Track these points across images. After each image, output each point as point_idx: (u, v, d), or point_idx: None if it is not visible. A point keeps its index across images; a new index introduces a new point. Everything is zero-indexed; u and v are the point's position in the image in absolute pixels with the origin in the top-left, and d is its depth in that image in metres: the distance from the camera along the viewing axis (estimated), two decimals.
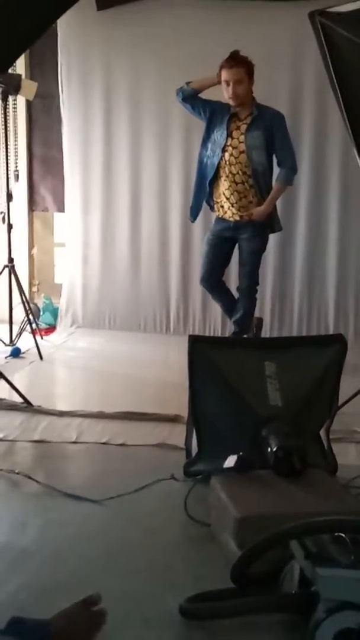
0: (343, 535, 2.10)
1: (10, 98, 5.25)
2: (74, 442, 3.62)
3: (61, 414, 3.97)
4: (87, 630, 1.96)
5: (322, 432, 3.21)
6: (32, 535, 2.70)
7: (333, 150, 5.46)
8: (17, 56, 4.07)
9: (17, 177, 5.75)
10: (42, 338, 5.38)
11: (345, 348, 3.19)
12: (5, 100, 5.22)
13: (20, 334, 5.35)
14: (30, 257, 6.27)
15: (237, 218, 4.75)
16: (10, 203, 5.31)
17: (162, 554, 2.57)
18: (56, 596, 2.24)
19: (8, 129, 5.39)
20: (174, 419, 3.79)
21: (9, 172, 5.34)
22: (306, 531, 2.11)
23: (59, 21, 4.59)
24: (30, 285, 6.18)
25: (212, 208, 4.90)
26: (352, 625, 1.92)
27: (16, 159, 5.76)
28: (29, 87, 5.30)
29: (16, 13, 3.16)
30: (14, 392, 4.05)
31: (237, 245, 4.88)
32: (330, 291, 5.65)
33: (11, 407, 4.02)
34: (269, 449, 2.82)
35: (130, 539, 2.68)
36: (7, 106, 5.30)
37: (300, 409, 3.04)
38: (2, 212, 5.41)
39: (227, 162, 4.68)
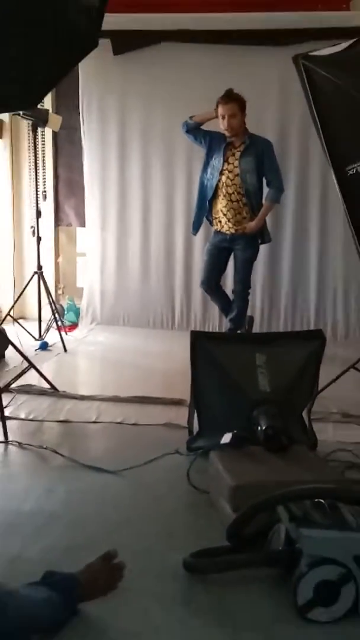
0: (322, 501, 2.12)
1: (40, 129, 5.25)
2: (94, 422, 3.64)
3: (82, 398, 3.99)
4: (109, 581, 1.97)
5: (304, 413, 3.22)
6: (58, 501, 2.72)
7: (314, 173, 5.45)
8: (45, 94, 4.09)
9: (45, 196, 5.76)
10: (66, 333, 5.38)
11: (324, 342, 3.20)
12: (35, 131, 5.23)
13: (47, 330, 5.35)
14: (56, 264, 6.27)
15: (233, 231, 4.74)
16: (39, 219, 5.31)
17: (167, 517, 2.59)
18: (79, 552, 2.25)
19: (37, 156, 5.39)
20: (178, 402, 3.79)
21: (38, 193, 5.34)
22: (291, 498, 2.13)
23: (80, 64, 4.58)
24: (56, 288, 6.18)
25: (211, 223, 4.90)
26: (330, 578, 1.94)
27: (44, 182, 5.77)
28: (55, 120, 5.30)
29: (45, 59, 3.17)
30: (42, 380, 4.05)
31: (232, 255, 4.88)
32: (312, 294, 5.65)
33: (40, 392, 4.02)
34: (259, 428, 2.83)
35: (141, 504, 2.70)
36: (37, 136, 5.30)
37: (285, 394, 3.05)
38: (32, 227, 5.42)
39: (224, 184, 4.68)
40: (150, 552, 2.27)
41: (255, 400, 2.97)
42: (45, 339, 5.22)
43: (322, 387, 3.48)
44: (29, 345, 4.96)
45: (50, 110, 5.34)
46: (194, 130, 4.77)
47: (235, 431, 2.86)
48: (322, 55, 3.89)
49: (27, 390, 4.02)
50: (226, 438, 2.86)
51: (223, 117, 4.56)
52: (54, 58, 3.21)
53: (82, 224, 6.08)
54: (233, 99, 4.54)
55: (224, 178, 4.67)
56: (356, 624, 1.94)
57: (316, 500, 2.12)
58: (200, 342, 3.17)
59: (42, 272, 5.21)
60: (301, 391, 3.16)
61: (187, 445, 3.19)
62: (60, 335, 5.18)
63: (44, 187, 5.73)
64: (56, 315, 5.30)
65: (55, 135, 5.86)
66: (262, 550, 2.18)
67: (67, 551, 2.30)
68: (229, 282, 5.16)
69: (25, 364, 4.03)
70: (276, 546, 2.13)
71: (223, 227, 4.78)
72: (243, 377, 3.06)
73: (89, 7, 3.18)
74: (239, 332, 4.82)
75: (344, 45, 3.95)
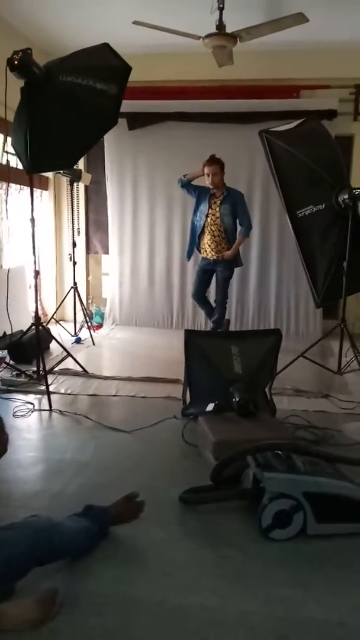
0: (280, 452, 2.12)
1: (75, 184, 5.24)
2: (114, 395, 3.62)
3: (105, 378, 3.97)
4: (133, 514, 1.97)
5: (267, 389, 3.21)
6: (88, 452, 2.72)
7: (273, 215, 5.42)
8: (80, 158, 4.10)
9: (79, 232, 5.74)
10: (94, 331, 5.37)
11: (281, 337, 3.18)
12: (71, 185, 5.21)
13: (80, 329, 5.33)
14: (87, 281, 6.25)
15: (215, 257, 4.73)
16: (75, 248, 5.29)
17: (168, 464, 2.59)
18: (105, 489, 2.26)
19: (73, 202, 5.38)
20: (175, 381, 3.77)
21: (74, 229, 5.33)
22: (257, 450, 2.13)
23: (104, 136, 4.58)
24: (87, 298, 6.16)
25: (199, 251, 4.89)
26: (285, 508, 1.94)
27: (78, 221, 5.75)
28: (86, 177, 5.30)
29: (80, 134, 3.18)
30: (77, 365, 4.04)
31: (214, 275, 4.87)
32: (272, 303, 5.62)
33: (75, 373, 4.01)
34: (234, 399, 2.83)
35: (148, 454, 2.70)
36: (73, 189, 5.29)
37: (253, 374, 3.04)
38: (69, 254, 5.40)
39: (209, 224, 4.67)
40: (154, 489, 2.27)
41: (231, 379, 2.97)
42: (79, 335, 5.20)
43: (280, 370, 3.48)
44: (67, 340, 4.94)
45: (83, 170, 5.33)
46: (187, 185, 4.76)
47: (216, 402, 2.87)
48: (279, 130, 3.92)
49: (66, 372, 4.00)
50: (210, 407, 2.87)
51: (208, 175, 4.56)
52: (86, 133, 3.23)
53: (106, 252, 6.05)
54: (215, 162, 4.54)
55: (208, 220, 4.67)
56: (304, 541, 1.95)
57: (275, 452, 2.13)
58: (191, 337, 3.16)
59: (76, 287, 5.19)
60: (264, 373, 3.16)
61: (182, 412, 3.19)
62: (90, 332, 5.17)
63: (78, 225, 5.71)
64: (87, 318, 5.29)
65: (86, 187, 5.85)
66: (236, 489, 2.18)
67: (95, 488, 2.31)
68: (212, 294, 5.15)
69: (64, 353, 4.02)
70: (246, 485, 2.14)
71: (208, 254, 4.78)
72: (222, 363, 3.05)
73: (110, 96, 3.19)
74: (219, 330, 4.81)
75: (295, 123, 3.99)
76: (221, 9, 3.86)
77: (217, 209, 4.64)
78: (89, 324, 5.32)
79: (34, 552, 1.56)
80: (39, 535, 1.59)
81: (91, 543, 1.82)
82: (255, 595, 1.69)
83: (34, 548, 1.56)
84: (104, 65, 3.17)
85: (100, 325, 5.79)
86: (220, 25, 3.86)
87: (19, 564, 1.52)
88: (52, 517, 1.78)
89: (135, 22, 3.80)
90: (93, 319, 5.76)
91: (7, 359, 4.00)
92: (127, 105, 3.52)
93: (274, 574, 1.79)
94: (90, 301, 6.19)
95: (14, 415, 3.16)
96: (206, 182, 4.61)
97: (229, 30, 3.88)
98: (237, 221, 4.72)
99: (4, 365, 3.88)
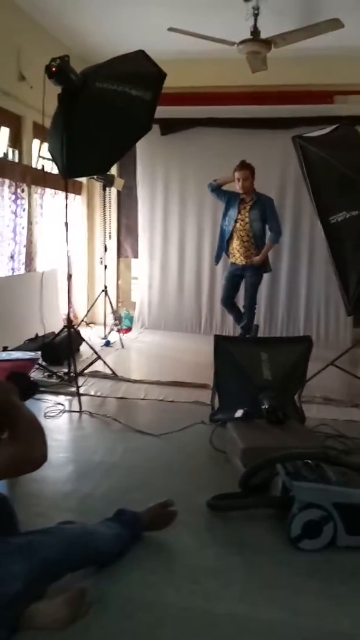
0: (309, 461, 2.10)
1: (107, 189, 5.30)
2: (142, 399, 3.64)
3: (134, 381, 3.98)
4: (165, 522, 1.97)
5: (296, 397, 3.18)
6: (117, 455, 2.73)
7: (305, 221, 5.37)
8: (114, 164, 4.15)
9: (110, 236, 5.80)
10: (123, 335, 5.40)
11: (312, 345, 3.16)
12: (104, 190, 5.28)
13: (110, 332, 5.37)
14: (117, 285, 6.30)
15: (244, 263, 4.71)
16: (106, 252, 5.36)
17: (195, 469, 2.59)
18: (133, 492, 2.28)
19: (105, 207, 5.45)
20: (203, 386, 3.74)
21: (106, 234, 5.39)
22: (287, 458, 2.11)
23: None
24: (117, 302, 6.21)
25: (228, 256, 4.87)
26: (315, 518, 1.92)
27: (110, 226, 5.81)
28: (119, 182, 5.35)
29: (115, 140, 3.22)
30: (106, 367, 4.07)
31: (243, 280, 4.84)
32: (301, 309, 5.55)
33: (104, 376, 4.04)
34: (263, 406, 2.81)
35: (176, 459, 2.70)
36: (106, 194, 5.36)
37: (282, 382, 3.02)
38: (101, 258, 5.47)
39: (238, 229, 4.65)
40: (182, 494, 2.25)
41: (260, 386, 2.95)
42: (108, 338, 5.24)
43: (309, 378, 3.44)
44: (97, 342, 4.98)
45: (116, 175, 5.39)
46: (217, 190, 4.75)
47: (245, 408, 2.85)
48: (313, 136, 3.88)
49: (95, 374, 4.04)
50: (239, 413, 2.85)
51: (238, 180, 4.55)
52: (121, 139, 3.27)
53: (136, 256, 6.09)
54: (246, 167, 4.52)
55: (237, 225, 4.65)
56: (333, 553, 1.92)
57: (305, 460, 2.10)
58: (221, 343, 3.17)
59: (107, 291, 5.25)
60: (294, 380, 3.13)
61: (210, 418, 3.18)
62: (119, 336, 5.21)
63: (110, 230, 5.77)
64: (117, 321, 5.33)
65: (118, 192, 5.90)
66: (264, 496, 2.17)
67: (123, 491, 2.32)
68: (240, 300, 5.13)
69: (94, 356, 4.05)
70: (275, 493, 2.12)
71: (237, 260, 4.76)
72: (251, 369, 3.04)
73: (145, 102, 3.23)
74: (247, 336, 4.79)
75: (329, 129, 3.95)
76: (256, 15, 3.87)
77: (247, 214, 4.62)
78: (119, 327, 5.36)
79: (68, 558, 1.57)
80: (74, 541, 1.61)
81: (123, 549, 1.82)
82: (284, 605, 1.67)
83: (68, 554, 1.57)
84: (139, 71, 3.21)
85: (129, 329, 5.83)
86: (255, 31, 3.86)
87: (53, 568, 1.53)
88: (87, 524, 1.79)
89: (170, 29, 3.84)
90: (122, 323, 5.80)
91: (40, 360, 4.06)
92: (161, 111, 3.54)
93: (302, 585, 1.77)
94: (120, 305, 6.24)
95: (45, 416, 3.20)
96: (236, 187, 4.60)
97: (263, 36, 3.88)
98: (267, 227, 4.69)
99: (36, 366, 3.94)
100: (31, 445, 1.41)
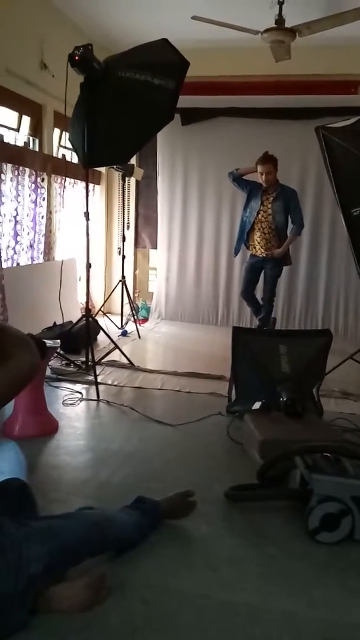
0: (328, 454, 2.09)
1: (127, 179, 5.30)
2: (159, 389, 3.66)
3: (151, 371, 4.00)
4: (184, 512, 1.98)
5: (314, 390, 3.16)
6: (134, 444, 2.76)
7: (325, 214, 5.33)
8: (135, 153, 4.14)
9: (128, 227, 5.81)
10: (140, 325, 5.41)
11: (331, 338, 3.14)
12: (123, 180, 5.28)
13: (127, 322, 5.39)
14: (135, 275, 6.31)
15: (264, 255, 4.68)
16: (124, 242, 5.37)
17: (212, 460, 2.60)
18: (149, 481, 2.30)
19: (124, 197, 5.45)
20: (220, 377, 3.77)
21: (124, 224, 5.39)
22: (306, 451, 2.10)
23: None
24: (134, 292, 6.22)
25: (248, 248, 4.85)
26: (333, 511, 1.91)
27: (128, 216, 5.82)
28: (138, 172, 5.35)
29: (136, 130, 3.21)
30: (123, 357, 4.09)
31: (263, 272, 4.83)
32: (320, 302, 5.52)
33: (122, 366, 4.07)
34: (281, 399, 2.81)
35: (193, 449, 2.71)
36: (125, 184, 5.36)
37: (301, 375, 3.01)
38: (119, 248, 5.47)
39: (259, 220, 4.62)
40: (199, 484, 2.26)
41: (278, 379, 2.94)
42: (125, 328, 5.26)
43: (328, 371, 3.42)
44: (114, 332, 5.00)
45: (135, 165, 5.38)
46: (238, 179, 4.72)
47: (263, 400, 2.85)
48: (336, 127, 3.81)
49: (113, 364, 4.06)
50: (256, 405, 2.86)
51: (261, 174, 4.51)
52: (142, 129, 3.26)
53: (154, 247, 6.09)
54: (269, 160, 4.48)
55: (259, 216, 4.61)
56: (351, 546, 1.92)
57: (324, 453, 2.10)
58: (239, 334, 3.16)
59: (124, 281, 5.26)
60: (312, 373, 3.11)
61: (227, 409, 3.18)
62: (136, 326, 5.23)
63: (128, 220, 5.77)
64: (133, 311, 5.35)
65: (137, 182, 5.89)
66: (282, 488, 2.17)
67: (141, 480, 2.33)
68: (259, 293, 5.10)
69: (112, 345, 4.08)
70: (293, 486, 2.12)
71: (257, 251, 4.73)
72: (270, 361, 3.03)
73: (168, 91, 3.21)
74: (265, 328, 4.77)
75: (353, 120, 3.88)
76: (281, 4, 3.81)
77: (270, 205, 4.58)
78: (135, 317, 5.38)
79: (87, 543, 1.60)
80: (94, 526, 1.63)
81: (142, 537, 1.84)
82: (301, 596, 1.67)
83: (88, 539, 1.60)
84: (162, 60, 3.20)
85: (145, 319, 5.84)
86: (280, 20, 3.81)
87: (72, 553, 1.55)
88: (106, 510, 1.82)
89: (194, 17, 3.80)
90: (139, 313, 5.82)
91: (58, 349, 4.10)
92: (182, 101, 3.52)
93: (319, 577, 1.77)
94: (137, 295, 6.25)
95: (63, 404, 3.24)
96: (259, 179, 4.57)
97: (287, 24, 3.82)
98: (289, 219, 4.66)
99: (55, 354, 3.98)
100: (18, 359, 1.28)
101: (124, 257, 5.33)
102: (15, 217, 4.22)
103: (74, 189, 5.14)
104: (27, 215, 4.42)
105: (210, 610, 1.59)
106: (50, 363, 3.59)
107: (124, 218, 5.44)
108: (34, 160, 4.38)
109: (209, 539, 1.94)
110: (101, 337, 4.44)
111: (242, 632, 1.52)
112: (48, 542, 1.50)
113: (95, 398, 3.35)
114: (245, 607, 1.61)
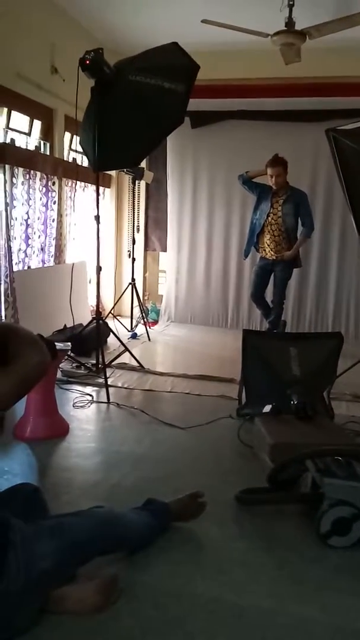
0: (340, 458, 2.08)
1: (137, 182, 5.31)
2: (169, 392, 3.66)
3: (161, 374, 4.00)
4: (193, 514, 1.97)
5: (325, 393, 3.15)
6: (144, 446, 2.76)
7: (335, 217, 5.32)
8: (145, 157, 4.16)
9: (138, 229, 5.82)
10: (150, 327, 5.41)
11: (342, 341, 3.12)
12: (134, 183, 5.29)
13: (137, 324, 5.41)
14: (144, 278, 6.33)
15: (274, 258, 4.67)
16: (134, 245, 5.38)
17: (223, 463, 2.59)
18: (159, 484, 2.29)
19: (134, 200, 5.46)
20: (230, 380, 3.76)
21: (134, 227, 5.40)
22: (317, 455, 2.09)
23: None
24: (144, 295, 6.24)
25: (257, 251, 4.84)
26: (344, 515, 1.90)
27: (138, 219, 5.83)
28: (148, 176, 5.36)
29: (146, 133, 3.22)
30: (133, 359, 4.09)
31: (272, 275, 4.81)
32: (330, 305, 5.51)
33: (132, 368, 4.07)
34: (292, 402, 2.80)
35: (203, 452, 2.71)
36: (135, 187, 5.37)
37: (312, 378, 3.00)
38: (129, 251, 5.49)
39: (269, 223, 4.61)
40: (209, 487, 2.24)
41: (289, 382, 2.94)
42: (135, 331, 5.27)
43: (339, 374, 3.40)
44: (124, 335, 5.00)
45: (145, 169, 5.39)
46: (248, 182, 4.71)
47: (274, 403, 2.84)
48: (346, 129, 3.80)
49: (123, 366, 4.07)
50: (267, 408, 2.85)
51: (271, 177, 4.50)
52: (152, 132, 3.27)
53: (164, 250, 6.10)
54: (279, 163, 4.46)
55: (269, 219, 4.60)
56: None
57: (335, 457, 2.08)
58: (249, 337, 3.15)
59: (134, 283, 5.27)
60: (323, 376, 3.10)
61: (237, 412, 3.18)
62: (146, 328, 5.23)
63: (138, 223, 5.78)
64: (143, 314, 5.35)
65: (147, 185, 5.91)
66: (293, 492, 2.16)
67: (151, 482, 2.33)
68: (269, 295, 5.09)
69: (122, 348, 4.08)
70: (304, 489, 2.11)
71: (267, 254, 4.72)
72: (280, 364, 3.02)
73: (178, 95, 3.22)
74: (275, 331, 4.76)
75: None
76: (291, 6, 3.80)
77: (280, 208, 4.57)
78: (145, 320, 5.39)
79: (97, 541, 1.60)
80: (104, 525, 1.64)
81: (151, 537, 1.84)
82: (312, 600, 1.66)
83: (98, 537, 1.60)
84: (172, 64, 3.20)
85: (155, 322, 5.85)
86: (290, 23, 3.80)
87: (82, 550, 1.56)
88: (116, 509, 1.82)
89: (203, 21, 3.81)
90: (149, 315, 5.82)
91: (69, 352, 4.11)
92: (192, 104, 3.52)
93: (331, 581, 1.76)
94: (147, 298, 6.26)
95: (74, 406, 3.25)
96: (269, 182, 4.56)
97: (298, 27, 3.82)
98: (299, 222, 4.64)
99: (65, 357, 3.99)
100: (28, 358, 1.29)
101: (133, 259, 5.34)
102: (26, 220, 4.25)
103: (84, 192, 5.16)
104: (38, 219, 4.45)
105: (221, 613, 1.59)
106: (61, 365, 3.60)
107: (134, 221, 5.46)
108: (45, 164, 4.41)
109: (219, 542, 1.94)
110: (111, 339, 4.44)
111: (253, 637, 1.51)
112: (58, 539, 1.50)
113: (106, 400, 3.36)
114: (256, 610, 1.61)
